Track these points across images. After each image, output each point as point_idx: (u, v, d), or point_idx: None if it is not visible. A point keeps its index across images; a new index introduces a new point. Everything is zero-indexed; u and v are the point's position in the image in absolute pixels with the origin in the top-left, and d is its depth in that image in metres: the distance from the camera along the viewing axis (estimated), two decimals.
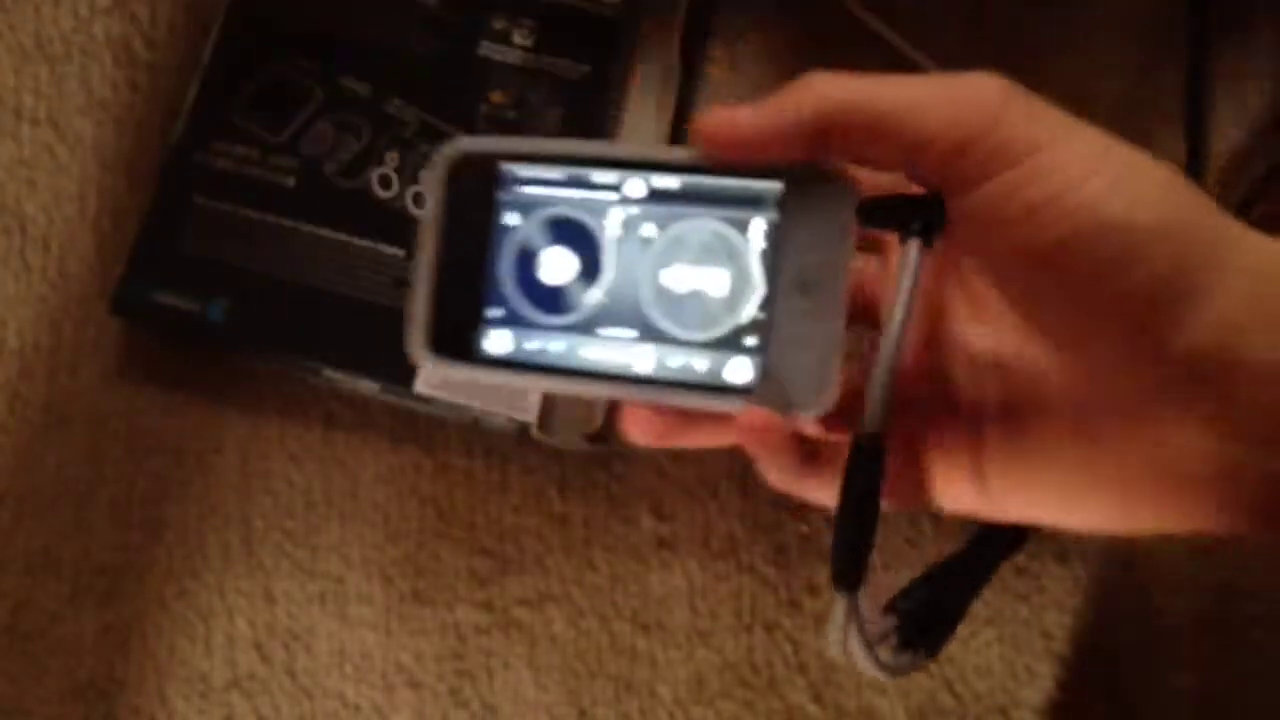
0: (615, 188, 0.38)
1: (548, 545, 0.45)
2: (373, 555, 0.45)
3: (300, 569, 0.45)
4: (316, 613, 0.44)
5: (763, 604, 0.45)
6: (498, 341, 0.38)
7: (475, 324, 0.38)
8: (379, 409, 0.46)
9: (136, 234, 0.45)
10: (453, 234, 0.38)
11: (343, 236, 0.45)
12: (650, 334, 0.37)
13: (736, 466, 0.46)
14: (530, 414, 0.43)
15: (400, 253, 0.45)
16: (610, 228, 0.38)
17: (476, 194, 0.38)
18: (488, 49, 0.47)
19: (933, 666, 0.44)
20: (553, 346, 0.38)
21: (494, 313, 0.38)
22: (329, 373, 0.44)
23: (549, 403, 0.43)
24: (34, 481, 0.45)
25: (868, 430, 0.34)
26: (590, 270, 0.38)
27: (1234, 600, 0.45)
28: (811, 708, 0.44)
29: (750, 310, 0.37)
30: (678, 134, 0.48)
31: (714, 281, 0.37)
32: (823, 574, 0.45)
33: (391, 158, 0.46)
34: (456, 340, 0.38)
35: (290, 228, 0.45)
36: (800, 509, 0.45)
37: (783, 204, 0.37)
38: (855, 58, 0.49)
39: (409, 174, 0.45)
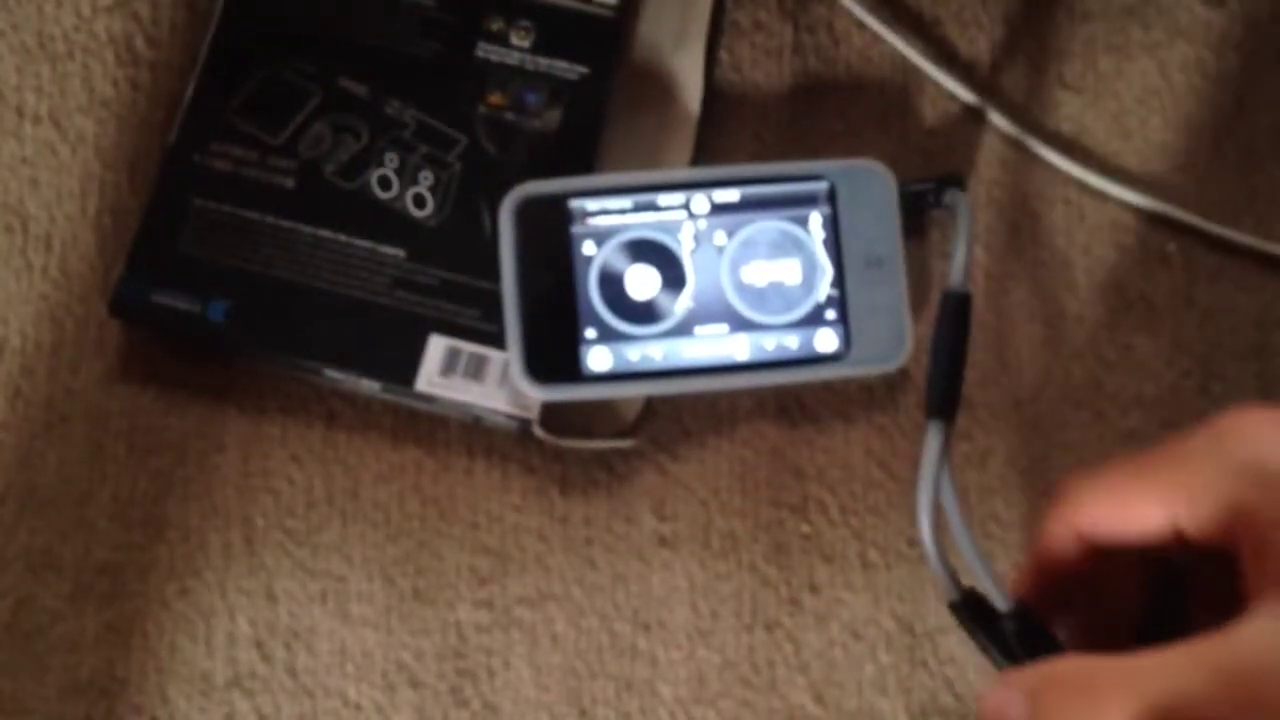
0: (682, 206, 0.43)
1: (549, 544, 0.45)
2: (374, 554, 0.45)
3: (301, 568, 0.45)
4: (318, 612, 0.45)
5: (764, 603, 0.45)
6: (599, 359, 0.42)
7: (574, 347, 0.42)
8: (380, 408, 0.46)
9: (135, 236, 0.45)
10: (532, 271, 0.42)
11: (343, 237, 0.45)
12: (741, 324, 0.43)
13: (738, 466, 0.46)
14: (533, 412, 0.43)
15: (400, 253, 0.45)
16: (685, 241, 0.43)
17: (549, 231, 0.43)
18: (485, 50, 0.47)
19: (933, 665, 0.44)
20: (653, 353, 0.42)
21: (590, 333, 0.42)
22: (330, 373, 0.44)
23: (554, 401, 0.44)
24: (35, 480, 0.45)
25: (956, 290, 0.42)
26: (675, 280, 0.43)
27: None
28: (813, 707, 0.44)
29: (825, 289, 0.43)
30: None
31: (788, 271, 0.43)
32: (823, 573, 0.45)
33: (391, 159, 0.46)
34: (558, 366, 0.42)
35: (290, 229, 0.45)
36: (801, 508, 0.46)
37: (832, 197, 0.43)
38: (855, 58, 0.49)
39: (408, 175, 0.45)
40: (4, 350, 0.46)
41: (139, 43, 0.49)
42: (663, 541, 0.45)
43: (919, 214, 0.45)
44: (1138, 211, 0.48)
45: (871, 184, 0.43)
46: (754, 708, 0.44)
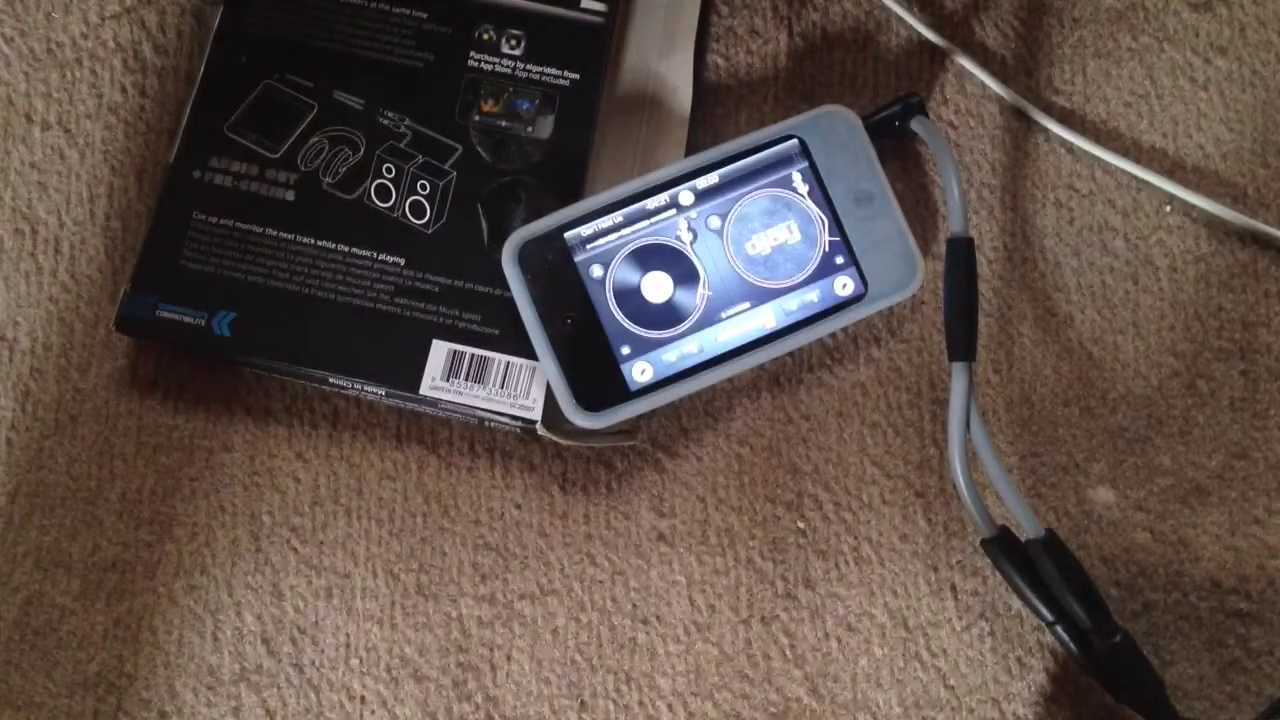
0: (671, 205, 0.44)
1: (549, 540, 0.46)
2: (378, 550, 0.46)
3: (307, 564, 0.45)
4: (323, 607, 0.45)
5: (760, 597, 0.45)
6: (641, 372, 0.43)
7: (615, 368, 0.43)
8: (384, 408, 0.47)
9: (139, 253, 0.45)
10: (551, 309, 0.43)
11: (344, 247, 0.45)
12: (762, 296, 0.44)
13: (734, 463, 0.47)
14: (535, 411, 0.44)
15: (400, 261, 0.45)
16: (684, 235, 0.44)
17: (555, 266, 0.43)
18: (477, 59, 0.47)
19: (926, 658, 0.45)
20: (689, 349, 0.43)
21: (625, 350, 0.43)
22: (336, 380, 0.45)
23: (555, 400, 0.44)
24: (45, 478, 0.46)
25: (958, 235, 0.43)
26: (687, 276, 0.44)
27: (1223, 598, 0.46)
28: (808, 699, 0.45)
29: (826, 238, 0.44)
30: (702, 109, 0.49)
31: (787, 233, 0.44)
32: (818, 568, 0.46)
33: (388, 169, 0.46)
34: (606, 390, 0.43)
35: (292, 240, 0.45)
36: (797, 504, 0.46)
37: (805, 151, 0.44)
38: (850, 64, 0.50)
39: (406, 184, 0.46)
40: (14, 352, 0.47)
41: (146, 50, 0.50)
42: (661, 537, 0.46)
43: (892, 138, 0.46)
44: (1125, 214, 0.49)
45: (837, 127, 0.44)
46: (750, 700, 0.45)
